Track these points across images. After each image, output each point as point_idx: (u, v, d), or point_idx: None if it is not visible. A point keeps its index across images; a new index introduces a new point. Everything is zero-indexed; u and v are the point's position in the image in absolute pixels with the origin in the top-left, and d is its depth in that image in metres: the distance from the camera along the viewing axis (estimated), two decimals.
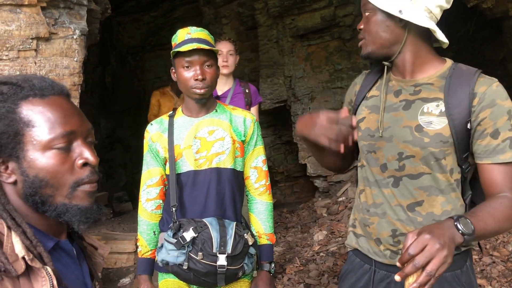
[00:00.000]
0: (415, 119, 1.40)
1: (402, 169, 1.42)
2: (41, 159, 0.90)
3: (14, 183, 0.91)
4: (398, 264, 1.09)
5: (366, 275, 1.54)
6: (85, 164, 0.94)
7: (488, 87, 1.35)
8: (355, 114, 1.58)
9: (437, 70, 1.44)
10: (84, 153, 0.94)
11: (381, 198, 1.47)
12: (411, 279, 1.06)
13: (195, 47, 1.80)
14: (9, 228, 0.86)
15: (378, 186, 1.48)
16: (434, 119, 1.37)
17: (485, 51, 6.26)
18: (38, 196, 0.90)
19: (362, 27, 1.49)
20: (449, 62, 1.46)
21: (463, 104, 1.35)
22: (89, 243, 1.11)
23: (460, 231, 1.13)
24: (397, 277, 1.07)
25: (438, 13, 1.41)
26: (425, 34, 1.42)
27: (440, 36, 1.40)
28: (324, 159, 1.66)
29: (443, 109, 1.37)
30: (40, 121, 0.90)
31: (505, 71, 5.73)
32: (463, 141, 1.37)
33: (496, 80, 1.39)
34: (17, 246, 0.85)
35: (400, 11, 1.35)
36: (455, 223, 1.14)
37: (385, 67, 1.49)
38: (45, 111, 0.91)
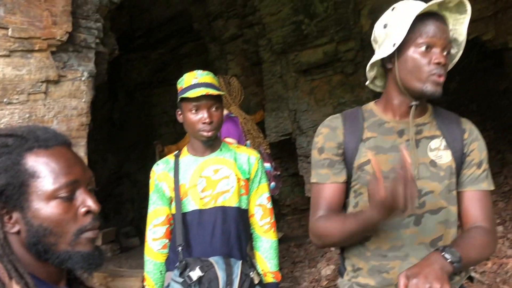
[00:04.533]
0: (427, 156, 1.44)
1: (422, 206, 1.42)
2: (45, 209, 0.91)
3: (18, 232, 0.92)
4: None
5: None
6: (88, 211, 0.96)
7: (471, 125, 1.52)
8: (352, 157, 1.50)
9: (426, 111, 1.52)
10: (87, 201, 0.96)
11: (401, 241, 1.44)
12: None
13: (204, 93, 1.84)
14: (10, 277, 0.88)
15: (396, 229, 1.44)
16: (442, 153, 1.45)
17: (488, 82, 6.31)
18: (41, 245, 0.92)
19: (444, 63, 1.39)
20: (429, 104, 1.54)
21: (458, 138, 1.47)
22: (89, 287, 1.12)
23: (448, 260, 1.21)
24: None
25: None
26: None
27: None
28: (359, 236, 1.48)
29: (445, 144, 1.46)
30: (44, 172, 0.92)
31: (508, 101, 5.76)
32: (459, 172, 1.47)
33: None
34: None
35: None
36: (442, 254, 1.22)
37: (413, 106, 1.45)
38: (49, 161, 0.93)
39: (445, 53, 1.38)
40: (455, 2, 1.38)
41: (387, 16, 1.46)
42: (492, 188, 1.48)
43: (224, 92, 3.53)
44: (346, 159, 1.51)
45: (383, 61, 1.46)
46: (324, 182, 1.51)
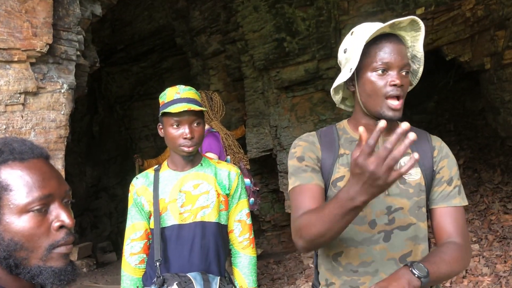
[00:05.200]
0: None
1: (392, 222, 1.46)
2: (17, 223, 0.90)
3: None
4: None
5: None
6: (62, 226, 0.94)
7: (441, 142, 1.56)
8: (328, 173, 1.50)
9: (396, 127, 1.50)
10: (60, 215, 0.94)
11: (371, 256, 1.47)
12: None
13: (186, 109, 1.84)
14: None
15: (366, 245, 1.47)
16: (412, 171, 1.47)
17: (465, 102, 6.45)
18: (12, 259, 0.90)
19: (402, 84, 1.39)
20: (399, 122, 1.55)
21: (428, 155, 1.50)
22: None
23: (416, 275, 1.23)
24: None
25: None
26: None
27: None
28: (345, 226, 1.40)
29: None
30: (18, 185, 0.91)
31: (484, 121, 5.89)
32: (429, 190, 1.50)
33: None
34: None
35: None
36: (410, 269, 1.24)
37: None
38: (24, 174, 0.92)
39: (403, 72, 1.41)
40: (407, 22, 1.42)
41: (347, 41, 1.51)
42: (464, 203, 1.51)
43: (206, 107, 3.54)
44: (323, 175, 1.51)
45: (347, 85, 1.51)
46: (308, 183, 1.47)
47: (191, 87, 1.98)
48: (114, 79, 8.76)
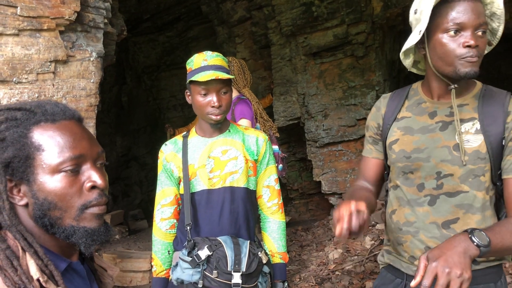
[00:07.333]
0: (453, 139, 1.42)
1: (440, 187, 1.44)
2: (50, 182, 0.92)
3: (26, 205, 0.93)
4: None
5: None
6: (94, 187, 0.96)
7: None
8: (385, 136, 1.58)
9: (469, 91, 1.47)
10: (92, 176, 0.96)
11: (415, 217, 1.49)
12: None
13: (213, 77, 1.81)
14: (23, 249, 0.89)
15: (411, 205, 1.50)
16: (470, 137, 1.41)
17: (500, 67, 6.23)
18: (47, 218, 0.92)
19: (477, 45, 1.32)
20: (479, 84, 1.50)
21: (498, 121, 1.39)
22: (98, 265, 1.12)
23: (475, 243, 1.16)
24: None
25: None
26: None
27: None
28: None
29: (479, 127, 1.41)
30: (49, 145, 0.92)
31: None
32: (498, 157, 1.40)
33: None
34: (32, 268, 0.87)
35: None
36: (470, 236, 1.18)
37: (453, 90, 1.43)
38: (55, 135, 0.94)
39: (479, 32, 1.32)
40: None
41: (417, 1, 1.43)
42: None
43: (239, 74, 3.51)
44: (382, 138, 1.61)
45: (417, 47, 1.45)
46: (368, 156, 1.69)
47: (219, 54, 1.95)
48: (141, 49, 8.78)
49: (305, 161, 6.54)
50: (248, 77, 3.70)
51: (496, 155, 1.40)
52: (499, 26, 1.40)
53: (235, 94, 3.47)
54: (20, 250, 0.89)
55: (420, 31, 1.36)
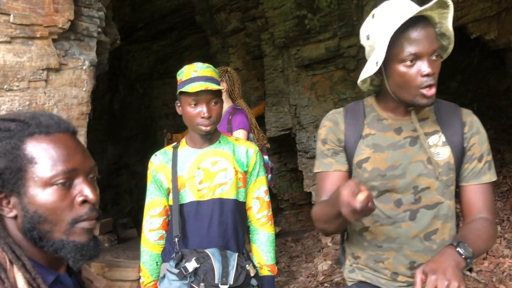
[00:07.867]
0: (425, 153, 1.46)
1: (418, 201, 1.47)
2: (41, 195, 0.91)
3: (15, 217, 0.92)
4: None
5: None
6: (85, 201, 0.95)
7: (472, 117, 1.52)
8: (352, 154, 1.53)
9: (427, 110, 1.52)
10: (84, 190, 0.95)
11: (396, 233, 1.50)
12: None
13: (203, 88, 1.82)
14: (11, 262, 0.88)
15: (391, 223, 1.50)
16: (440, 149, 1.46)
17: (489, 82, 6.30)
18: (36, 232, 0.91)
19: (433, 72, 1.36)
20: None
21: (457, 132, 1.47)
22: (85, 277, 1.11)
23: (462, 256, 1.22)
24: None
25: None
26: None
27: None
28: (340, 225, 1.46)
29: (444, 139, 1.47)
30: (42, 158, 0.92)
31: (508, 101, 5.76)
32: (459, 166, 1.49)
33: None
34: (20, 281, 0.86)
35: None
36: (457, 249, 1.23)
37: (413, 111, 1.47)
38: (49, 148, 0.93)
39: (433, 57, 1.36)
40: (434, 1, 1.32)
41: (369, 25, 1.45)
42: (494, 179, 1.50)
43: (235, 85, 3.51)
44: (347, 155, 1.55)
45: (375, 74, 1.45)
46: (328, 170, 1.56)
47: (209, 65, 1.96)
48: (134, 58, 8.79)
49: (296, 171, 6.54)
50: (240, 87, 3.71)
51: (458, 164, 1.48)
52: (449, 45, 1.46)
53: (228, 104, 3.46)
54: (8, 263, 0.88)
55: (377, 62, 1.36)
